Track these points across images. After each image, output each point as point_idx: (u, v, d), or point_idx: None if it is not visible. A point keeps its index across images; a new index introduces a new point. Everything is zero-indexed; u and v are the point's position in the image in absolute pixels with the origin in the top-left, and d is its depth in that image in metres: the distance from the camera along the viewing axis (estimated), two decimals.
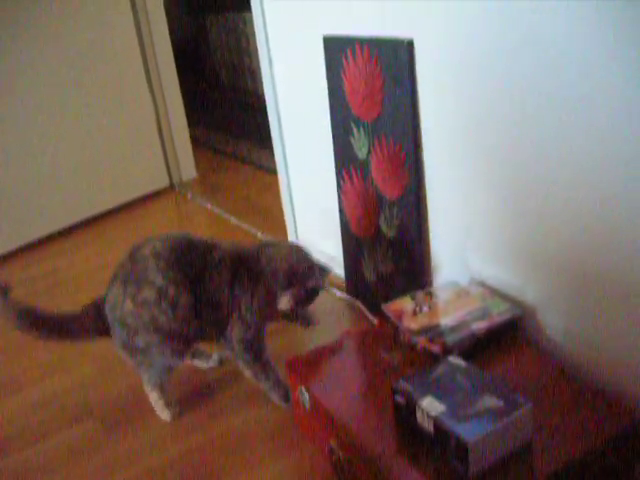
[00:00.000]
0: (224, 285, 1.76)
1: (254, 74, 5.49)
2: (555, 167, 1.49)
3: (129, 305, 1.72)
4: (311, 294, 1.83)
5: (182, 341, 1.78)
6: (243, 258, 1.80)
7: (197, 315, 1.75)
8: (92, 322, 1.82)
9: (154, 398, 1.88)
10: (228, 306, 1.77)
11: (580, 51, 1.35)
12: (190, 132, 3.89)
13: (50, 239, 3.25)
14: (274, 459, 1.70)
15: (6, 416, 2.01)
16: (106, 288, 1.80)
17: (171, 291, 1.70)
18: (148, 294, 1.71)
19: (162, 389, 1.87)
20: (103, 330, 1.81)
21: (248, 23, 5.29)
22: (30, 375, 1.88)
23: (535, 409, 1.36)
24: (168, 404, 1.89)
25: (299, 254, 1.85)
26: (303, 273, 1.80)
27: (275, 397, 1.86)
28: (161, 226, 3.33)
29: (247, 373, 1.85)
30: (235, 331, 1.79)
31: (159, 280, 1.70)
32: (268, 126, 2.57)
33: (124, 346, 1.79)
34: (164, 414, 1.88)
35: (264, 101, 2.52)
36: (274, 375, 1.85)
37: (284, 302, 1.79)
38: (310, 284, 1.81)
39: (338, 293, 2.37)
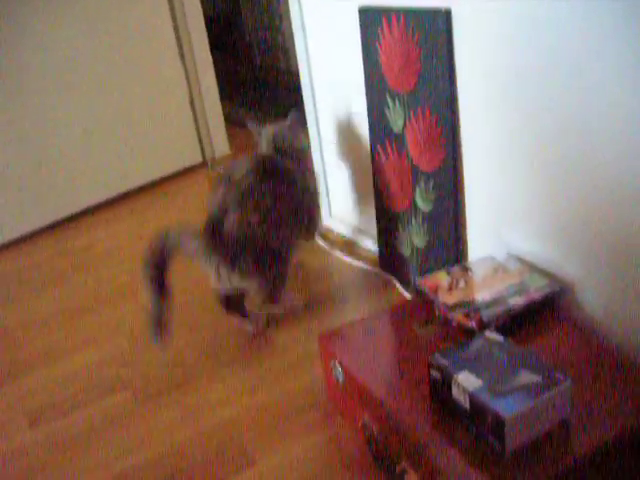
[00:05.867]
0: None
1: (287, 52, 5.46)
2: (598, 136, 1.44)
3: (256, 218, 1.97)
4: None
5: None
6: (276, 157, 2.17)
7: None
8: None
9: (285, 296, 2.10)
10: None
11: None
12: (223, 109, 3.87)
13: (84, 214, 3.26)
14: (306, 434, 1.70)
15: (41, 387, 2.03)
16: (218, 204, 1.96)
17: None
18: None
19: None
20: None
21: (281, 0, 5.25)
22: (65, 347, 1.89)
23: (573, 386, 1.33)
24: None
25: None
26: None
27: None
28: (193, 201, 3.32)
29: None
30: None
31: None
32: (301, 104, 2.54)
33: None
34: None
35: (297, 79, 2.49)
36: None
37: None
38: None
39: (371, 268, 2.35)
